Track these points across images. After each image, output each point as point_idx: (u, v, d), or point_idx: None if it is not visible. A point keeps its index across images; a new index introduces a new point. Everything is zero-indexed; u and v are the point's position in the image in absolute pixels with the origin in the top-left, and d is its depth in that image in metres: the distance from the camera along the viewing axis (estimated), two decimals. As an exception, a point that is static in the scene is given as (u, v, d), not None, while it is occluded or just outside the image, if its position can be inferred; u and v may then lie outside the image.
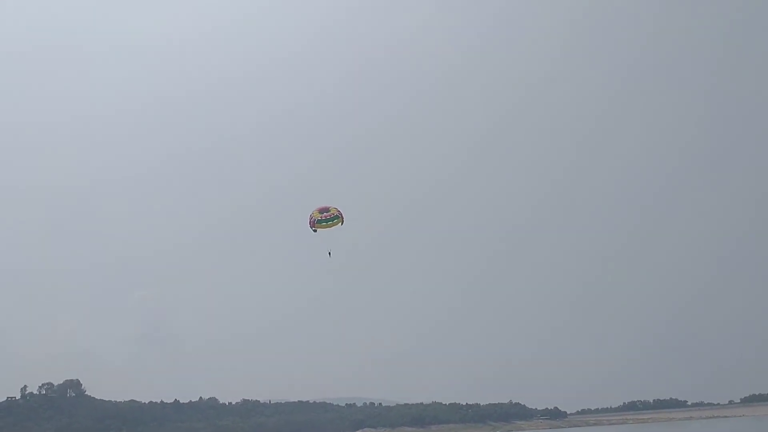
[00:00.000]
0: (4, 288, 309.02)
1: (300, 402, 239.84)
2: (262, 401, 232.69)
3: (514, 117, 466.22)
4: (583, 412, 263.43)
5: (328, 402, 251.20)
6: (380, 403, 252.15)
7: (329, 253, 42.68)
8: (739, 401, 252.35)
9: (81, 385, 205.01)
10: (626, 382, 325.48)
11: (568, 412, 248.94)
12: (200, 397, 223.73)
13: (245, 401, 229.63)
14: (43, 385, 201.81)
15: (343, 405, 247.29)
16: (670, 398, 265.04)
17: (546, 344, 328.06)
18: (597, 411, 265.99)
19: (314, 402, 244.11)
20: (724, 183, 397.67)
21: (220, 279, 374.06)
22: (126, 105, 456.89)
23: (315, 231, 43.49)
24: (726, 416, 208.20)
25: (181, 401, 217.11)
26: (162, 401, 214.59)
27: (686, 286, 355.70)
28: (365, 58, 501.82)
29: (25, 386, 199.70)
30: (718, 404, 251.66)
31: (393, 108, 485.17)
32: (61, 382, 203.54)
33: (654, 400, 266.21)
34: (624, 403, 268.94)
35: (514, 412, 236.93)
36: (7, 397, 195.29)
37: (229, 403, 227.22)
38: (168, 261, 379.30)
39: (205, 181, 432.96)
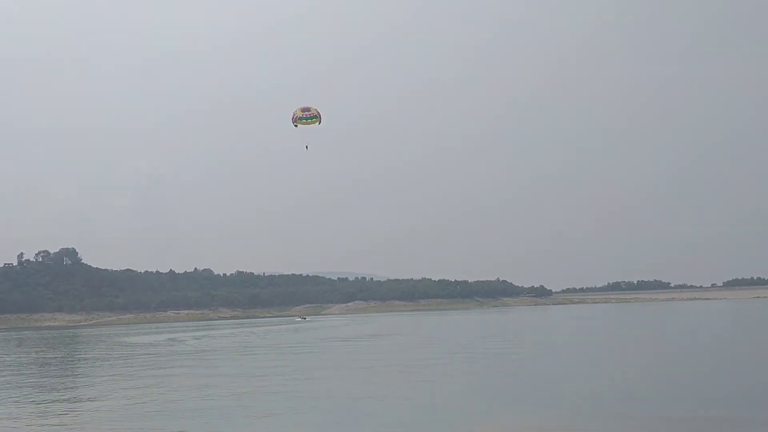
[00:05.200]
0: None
1: (293, 275, 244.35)
2: (256, 273, 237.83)
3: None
4: (568, 291, 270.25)
5: (320, 275, 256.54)
6: (371, 278, 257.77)
7: (306, 147, 47.38)
8: (721, 285, 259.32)
9: (77, 253, 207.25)
10: (611, 263, 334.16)
11: (554, 291, 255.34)
12: (195, 268, 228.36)
13: (240, 273, 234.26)
14: (39, 252, 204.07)
15: (335, 279, 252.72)
16: (654, 280, 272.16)
17: (533, 227, 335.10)
18: (582, 290, 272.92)
19: (307, 275, 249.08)
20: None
21: (216, 153, 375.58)
22: None
23: (296, 126, 47.60)
24: (707, 298, 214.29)
25: (176, 271, 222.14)
26: (157, 271, 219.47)
27: (677, 170, 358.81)
28: None
29: (22, 253, 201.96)
30: (701, 287, 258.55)
31: None
32: (57, 250, 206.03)
33: (638, 281, 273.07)
34: (608, 283, 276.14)
35: (502, 289, 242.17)
36: (4, 264, 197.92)
37: (224, 275, 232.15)
38: (164, 132, 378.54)
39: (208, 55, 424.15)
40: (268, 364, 44.71)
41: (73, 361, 55.33)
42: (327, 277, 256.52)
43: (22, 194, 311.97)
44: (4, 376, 43.30)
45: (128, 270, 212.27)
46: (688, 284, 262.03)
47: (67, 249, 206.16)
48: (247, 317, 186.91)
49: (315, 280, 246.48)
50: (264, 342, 70.52)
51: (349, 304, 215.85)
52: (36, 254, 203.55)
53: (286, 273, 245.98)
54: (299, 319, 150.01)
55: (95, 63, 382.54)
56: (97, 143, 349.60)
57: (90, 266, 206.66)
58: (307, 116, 47.58)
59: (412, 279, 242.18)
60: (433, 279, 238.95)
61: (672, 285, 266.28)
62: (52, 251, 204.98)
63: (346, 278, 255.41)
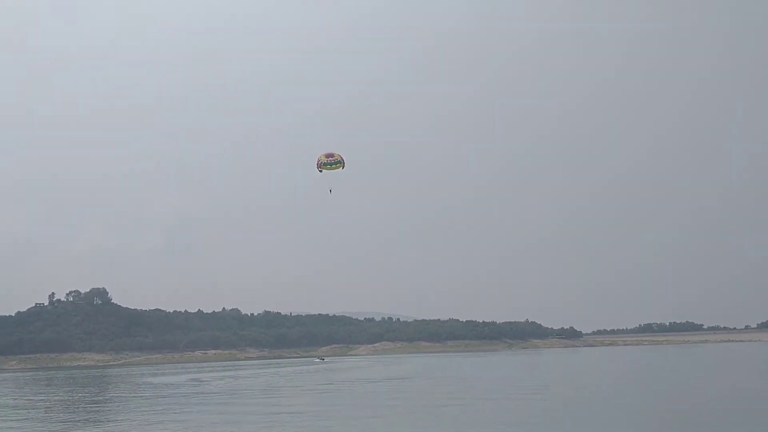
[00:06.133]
0: (31, 198, 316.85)
1: (320, 315, 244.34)
2: (283, 313, 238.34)
3: None
4: (598, 332, 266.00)
5: (347, 315, 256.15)
6: (398, 319, 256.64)
7: (330, 191, 51.35)
8: (755, 326, 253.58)
9: (107, 293, 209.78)
10: (643, 305, 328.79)
11: (584, 332, 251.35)
12: (223, 308, 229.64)
13: (267, 313, 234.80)
14: (70, 292, 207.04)
15: (362, 319, 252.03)
16: (686, 322, 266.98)
17: (564, 266, 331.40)
18: (612, 332, 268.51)
19: (334, 315, 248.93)
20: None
21: (243, 193, 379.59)
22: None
23: (321, 172, 51.38)
24: (741, 340, 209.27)
25: (204, 311, 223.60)
26: (186, 311, 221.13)
27: (706, 211, 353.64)
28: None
29: (53, 293, 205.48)
30: (734, 329, 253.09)
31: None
32: (88, 290, 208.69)
33: (670, 323, 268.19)
34: (640, 325, 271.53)
35: (531, 330, 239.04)
36: (36, 304, 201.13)
37: (252, 314, 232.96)
38: (192, 172, 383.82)
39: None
40: (285, 409, 44.76)
41: (92, 402, 55.90)
42: (354, 317, 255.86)
43: (53, 235, 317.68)
44: (27, 418, 44.02)
45: (157, 310, 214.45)
46: (722, 326, 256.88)
47: (98, 289, 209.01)
48: (274, 357, 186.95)
49: (342, 320, 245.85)
50: (287, 383, 70.59)
51: (376, 344, 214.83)
52: (67, 294, 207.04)
53: (313, 313, 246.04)
54: (318, 360, 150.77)
55: (127, 101, 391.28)
56: (127, 183, 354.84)
57: (120, 306, 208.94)
58: (331, 162, 51.51)
59: (439, 320, 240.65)
60: (460, 320, 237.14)
61: (705, 327, 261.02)
62: (83, 291, 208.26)
63: (373, 318, 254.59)
